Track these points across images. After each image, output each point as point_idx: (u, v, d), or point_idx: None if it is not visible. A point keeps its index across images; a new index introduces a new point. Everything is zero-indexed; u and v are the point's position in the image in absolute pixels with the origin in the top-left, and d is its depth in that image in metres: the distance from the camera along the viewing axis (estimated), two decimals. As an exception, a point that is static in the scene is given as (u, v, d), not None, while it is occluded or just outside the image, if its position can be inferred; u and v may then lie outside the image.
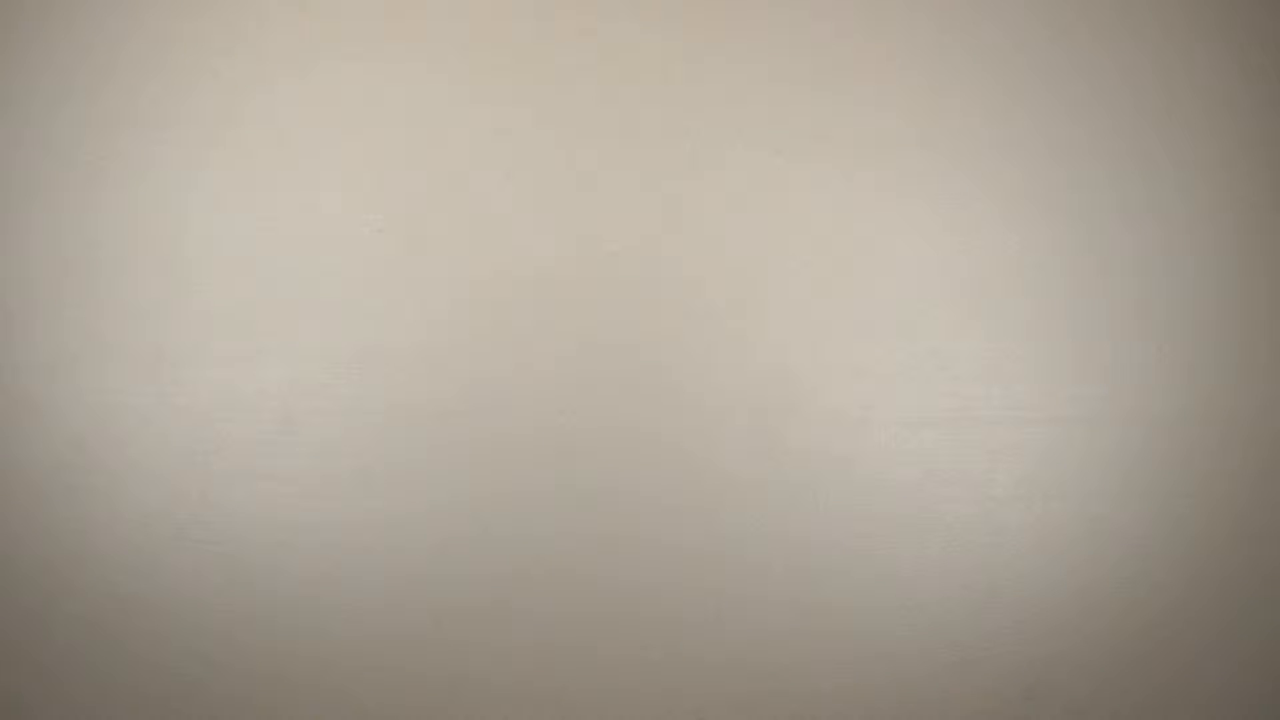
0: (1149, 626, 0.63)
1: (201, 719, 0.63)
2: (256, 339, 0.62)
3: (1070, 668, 0.63)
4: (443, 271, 0.62)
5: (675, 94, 0.63)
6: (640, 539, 0.62)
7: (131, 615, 0.62)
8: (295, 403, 0.62)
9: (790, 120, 0.63)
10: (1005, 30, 0.63)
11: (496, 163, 0.62)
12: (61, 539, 0.63)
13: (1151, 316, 0.63)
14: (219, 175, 0.63)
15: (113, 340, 0.62)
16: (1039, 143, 0.63)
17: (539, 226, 0.62)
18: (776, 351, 0.62)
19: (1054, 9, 0.63)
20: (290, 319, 0.62)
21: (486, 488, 0.62)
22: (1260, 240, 0.63)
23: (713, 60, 0.63)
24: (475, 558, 0.63)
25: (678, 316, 0.61)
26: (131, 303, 0.62)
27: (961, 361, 0.63)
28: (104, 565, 0.62)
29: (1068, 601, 0.63)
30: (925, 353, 0.63)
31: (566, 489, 0.61)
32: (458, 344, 0.62)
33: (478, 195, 0.62)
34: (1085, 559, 0.63)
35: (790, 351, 0.63)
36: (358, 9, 0.63)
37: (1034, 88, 0.63)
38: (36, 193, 0.62)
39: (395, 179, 0.63)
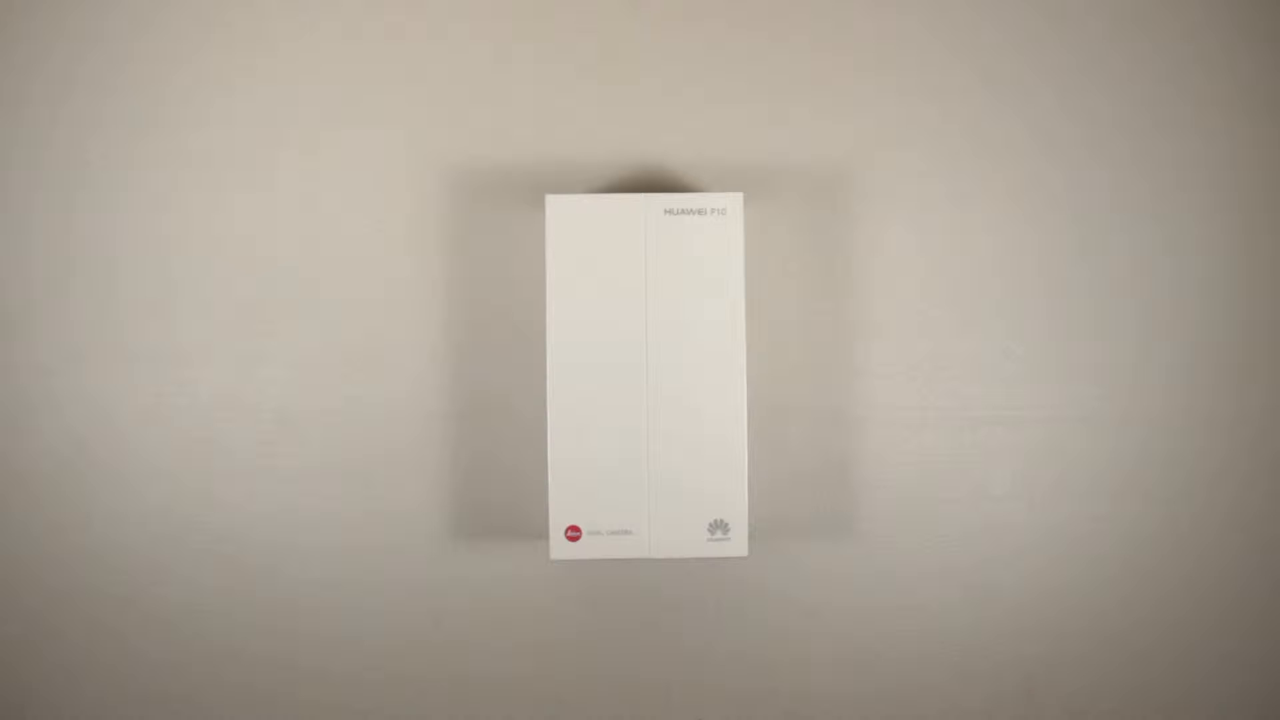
0: (1149, 627, 0.63)
1: (202, 718, 0.63)
2: (256, 339, 0.62)
3: (1070, 668, 0.63)
4: (442, 270, 0.62)
5: (675, 98, 0.63)
6: (640, 539, 0.62)
7: (131, 614, 0.62)
8: (295, 403, 0.62)
9: (789, 119, 0.63)
10: (1004, 27, 0.63)
11: (496, 163, 0.63)
12: (61, 539, 0.63)
13: (1151, 316, 0.63)
14: (220, 175, 0.63)
15: (113, 340, 0.62)
16: (1039, 141, 0.63)
17: (539, 224, 0.62)
18: (776, 351, 0.62)
19: (1054, 6, 0.63)
20: (290, 319, 0.62)
21: (487, 485, 0.62)
22: (1260, 240, 0.63)
23: (714, 61, 0.63)
24: (475, 556, 0.63)
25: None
26: (131, 303, 0.62)
27: (961, 361, 0.63)
28: (104, 565, 0.62)
29: (1068, 601, 0.63)
30: (925, 353, 0.63)
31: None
32: (458, 342, 0.62)
33: (477, 194, 0.62)
34: (1085, 559, 0.63)
35: (790, 351, 0.63)
36: (357, 10, 0.63)
37: (1034, 86, 0.63)
38: (36, 192, 0.62)
39: (395, 178, 0.63)
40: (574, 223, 0.57)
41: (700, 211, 0.57)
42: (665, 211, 0.57)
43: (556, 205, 0.57)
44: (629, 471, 0.57)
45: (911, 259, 0.63)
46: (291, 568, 0.63)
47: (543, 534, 0.61)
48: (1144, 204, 0.63)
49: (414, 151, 0.63)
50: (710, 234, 0.57)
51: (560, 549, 0.57)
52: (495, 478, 0.62)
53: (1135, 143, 0.63)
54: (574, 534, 0.57)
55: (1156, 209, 0.63)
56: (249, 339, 0.62)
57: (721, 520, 0.57)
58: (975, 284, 0.63)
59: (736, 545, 0.57)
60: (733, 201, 0.57)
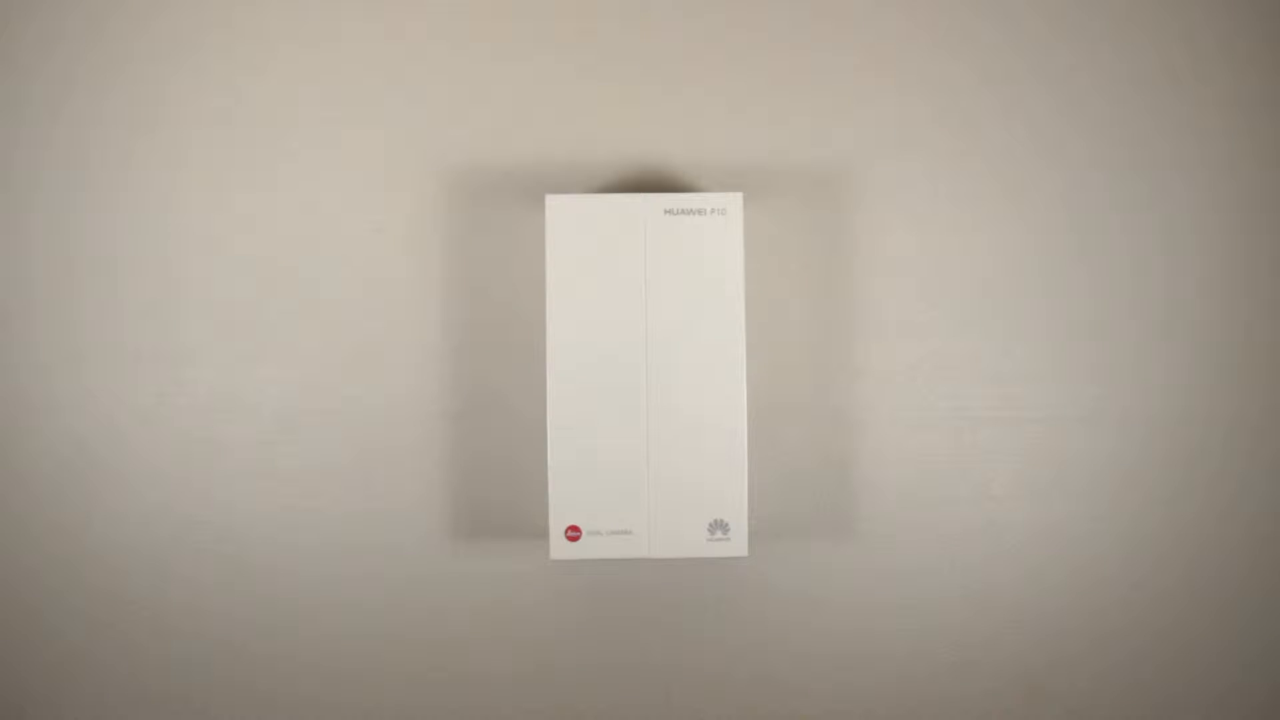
0: (1150, 627, 0.63)
1: (202, 718, 0.63)
2: (256, 339, 0.62)
3: (1071, 668, 0.63)
4: (442, 270, 0.62)
5: (675, 98, 0.63)
6: (640, 539, 0.62)
7: (131, 614, 0.62)
8: (295, 403, 0.62)
9: (789, 119, 0.63)
10: (1004, 27, 0.63)
11: (496, 163, 0.63)
12: (61, 539, 0.63)
13: (1151, 316, 0.63)
14: (220, 175, 0.63)
15: (113, 340, 0.62)
16: (1039, 142, 0.63)
17: (539, 224, 0.62)
18: (776, 351, 0.62)
19: (1054, 6, 0.63)
20: (290, 319, 0.63)
21: (487, 485, 0.62)
22: (1260, 240, 0.63)
23: (714, 61, 0.63)
24: (475, 556, 0.63)
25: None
26: (131, 303, 0.62)
27: (961, 362, 0.63)
28: (104, 565, 0.62)
29: (1068, 602, 0.63)
30: (925, 353, 0.63)
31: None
32: (458, 343, 0.62)
33: (478, 194, 0.62)
34: (1085, 559, 0.63)
35: (790, 351, 0.63)
36: (357, 10, 0.63)
37: (1033, 86, 0.63)
38: (36, 192, 0.62)
39: (395, 178, 0.63)
40: (574, 223, 0.57)
41: (700, 211, 0.57)
42: (665, 211, 0.57)
43: (556, 205, 0.57)
44: (629, 471, 0.57)
45: (911, 259, 0.63)
46: (291, 568, 0.63)
47: (543, 534, 0.61)
48: (1144, 204, 0.63)
49: (414, 151, 0.63)
50: (710, 234, 0.57)
51: (560, 549, 0.57)
52: (495, 478, 0.62)
53: (1134, 143, 0.63)
54: (574, 534, 0.57)
55: (1156, 209, 0.63)
56: (249, 339, 0.62)
57: (721, 520, 0.57)
58: (975, 284, 0.63)
59: (736, 545, 0.57)
60: (733, 201, 0.57)
